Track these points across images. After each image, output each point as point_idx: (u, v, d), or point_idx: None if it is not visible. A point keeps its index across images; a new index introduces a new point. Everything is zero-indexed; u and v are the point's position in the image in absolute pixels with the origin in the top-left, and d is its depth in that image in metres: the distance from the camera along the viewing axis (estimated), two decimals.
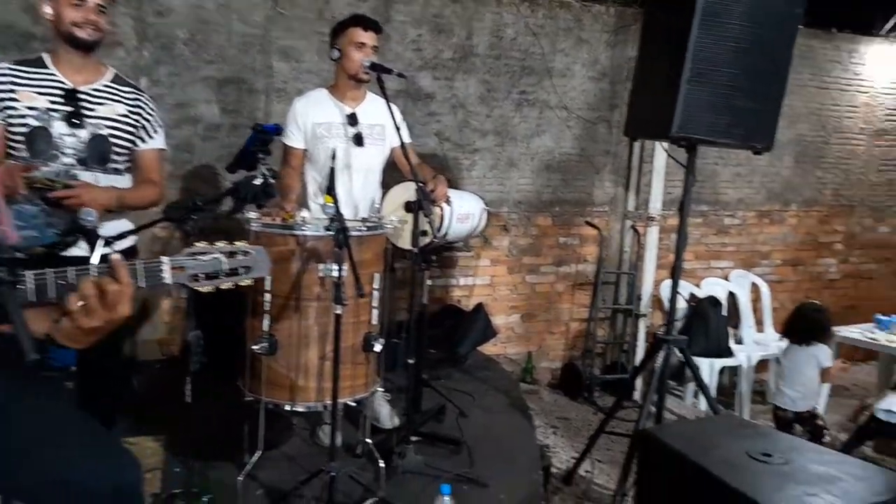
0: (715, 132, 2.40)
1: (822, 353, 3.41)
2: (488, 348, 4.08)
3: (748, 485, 2.01)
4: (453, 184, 3.96)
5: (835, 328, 3.81)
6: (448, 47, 3.94)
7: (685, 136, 2.38)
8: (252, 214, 2.06)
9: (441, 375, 3.51)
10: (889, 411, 3.43)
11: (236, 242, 1.21)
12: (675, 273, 2.71)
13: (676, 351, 2.71)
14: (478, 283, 4.25)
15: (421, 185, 2.31)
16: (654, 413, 2.80)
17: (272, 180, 1.78)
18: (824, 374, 3.43)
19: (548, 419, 3.82)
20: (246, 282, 1.20)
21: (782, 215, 4.98)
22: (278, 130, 2.11)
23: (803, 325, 3.48)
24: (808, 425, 3.45)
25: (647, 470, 2.31)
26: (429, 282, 2.88)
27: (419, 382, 2.88)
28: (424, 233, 2.38)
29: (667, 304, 4.14)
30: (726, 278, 4.79)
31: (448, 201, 2.60)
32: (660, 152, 4.19)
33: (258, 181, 1.76)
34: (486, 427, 2.97)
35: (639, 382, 4.07)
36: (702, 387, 2.91)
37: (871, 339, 3.62)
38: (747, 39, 2.33)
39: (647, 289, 4.41)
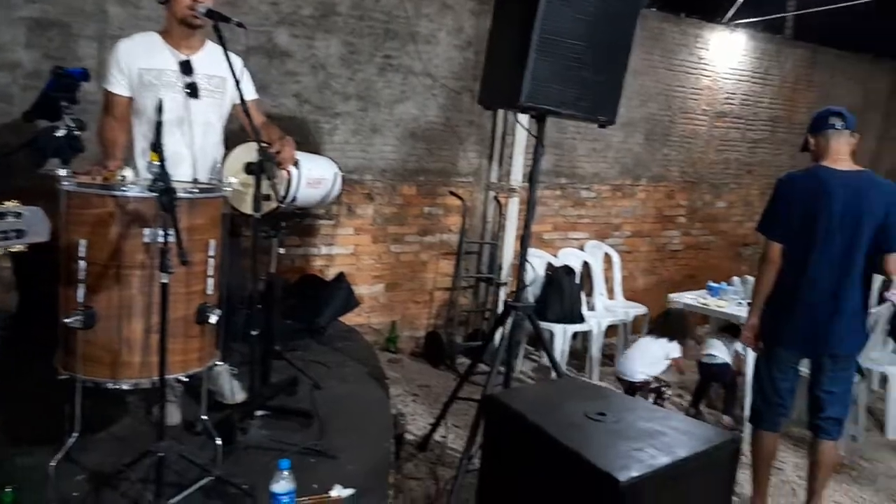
0: (563, 104, 2.45)
1: (674, 349, 3.79)
2: (351, 318, 4.01)
3: (580, 443, 2.10)
4: (314, 149, 3.81)
5: (671, 295, 4.14)
6: (308, 3, 3.75)
7: (534, 107, 2.41)
8: (63, 172, 1.83)
9: (298, 347, 3.40)
10: (710, 355, 3.81)
11: (7, 202, 1.04)
12: (524, 243, 2.77)
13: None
14: (340, 252, 4.15)
15: (264, 145, 2.17)
16: (507, 377, 2.88)
17: (77, 132, 1.57)
18: (672, 361, 3.81)
19: (409, 387, 3.83)
20: (18, 247, 1.04)
21: (633, 189, 5.29)
22: (85, 76, 1.88)
23: (666, 325, 3.86)
24: (649, 390, 3.75)
25: (492, 432, 2.36)
26: (281, 250, 2.75)
27: (268, 354, 2.75)
28: (268, 197, 2.24)
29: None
30: (582, 248, 5.03)
31: (296, 164, 2.47)
32: (528, 126, 4.27)
33: (60, 133, 1.56)
34: (341, 398, 2.91)
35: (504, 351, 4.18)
36: (547, 351, 3.03)
37: (703, 304, 3.95)
38: (593, 13, 2.39)
39: (507, 258, 4.53)
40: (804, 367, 2.86)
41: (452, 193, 4.43)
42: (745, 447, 2.84)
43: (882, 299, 3.94)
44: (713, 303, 3.92)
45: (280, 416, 2.57)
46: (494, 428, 2.37)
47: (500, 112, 4.44)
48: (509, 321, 2.76)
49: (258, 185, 2.19)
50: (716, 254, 5.89)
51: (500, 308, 4.54)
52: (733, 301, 3.94)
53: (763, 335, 2.75)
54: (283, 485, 1.89)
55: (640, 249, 5.46)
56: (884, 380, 4.00)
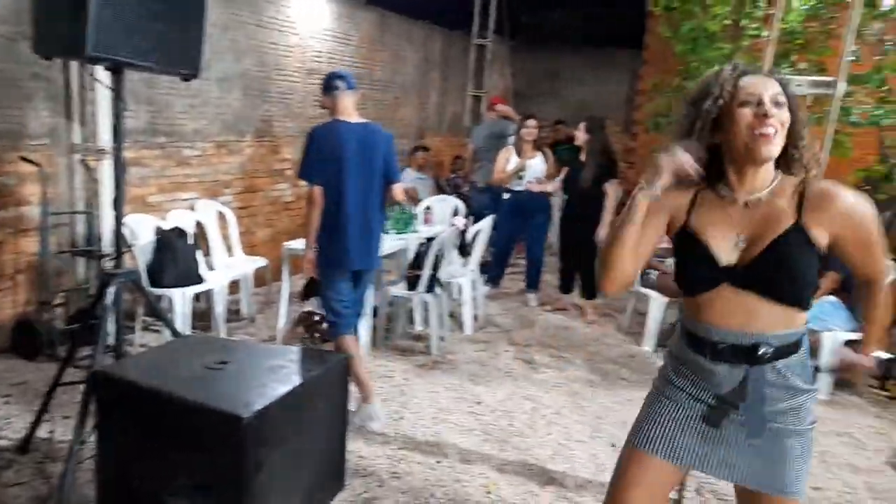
0: (138, 55, 2.34)
1: None
2: None
3: (202, 393, 2.15)
4: None
5: (287, 242, 4.38)
6: None
7: (104, 58, 2.24)
8: None
9: None
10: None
11: None
12: (117, 205, 2.60)
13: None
14: None
15: None
16: (117, 351, 2.70)
17: None
18: None
19: None
20: None
21: (239, 145, 5.31)
22: None
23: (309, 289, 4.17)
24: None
25: (106, 409, 2.23)
26: None
27: None
28: None
29: (130, 239, 3.99)
30: (193, 209, 4.88)
31: None
32: (103, 79, 3.86)
33: None
34: None
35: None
36: (160, 315, 2.95)
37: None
38: None
39: (107, 227, 4.13)
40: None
41: (24, 159, 3.80)
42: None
43: (452, 224, 4.86)
44: None
45: None
46: (107, 404, 2.25)
47: (74, 64, 3.93)
48: (111, 291, 2.58)
49: None
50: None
51: None
52: None
53: (320, 263, 3.25)
54: None
55: (254, 204, 5.55)
56: (460, 289, 4.97)
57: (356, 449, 3.01)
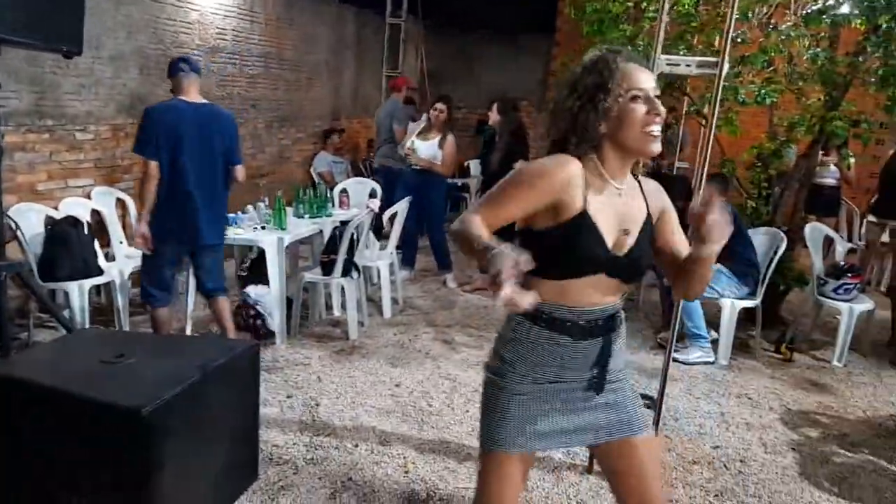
0: (10, 30, 2.15)
1: None
2: None
3: (98, 389, 2.04)
4: None
5: None
6: None
7: None
8: None
9: None
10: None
11: None
12: None
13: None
14: None
15: None
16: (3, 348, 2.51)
17: None
18: None
19: None
20: None
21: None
22: None
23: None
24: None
25: None
26: None
27: None
28: None
29: (17, 231, 3.71)
30: (89, 196, 4.59)
31: None
32: None
33: None
34: None
35: None
36: (51, 311, 2.76)
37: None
38: None
39: None
40: None
41: None
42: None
43: (368, 207, 4.80)
44: (231, 231, 4.12)
45: None
46: None
47: None
48: None
49: None
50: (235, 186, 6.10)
51: None
52: (249, 227, 4.22)
53: (154, 236, 3.33)
54: None
55: None
56: (378, 273, 4.94)
57: (271, 438, 2.94)
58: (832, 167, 5.80)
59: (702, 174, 2.48)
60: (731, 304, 4.25)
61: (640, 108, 1.39)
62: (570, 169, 1.41)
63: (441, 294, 5.41)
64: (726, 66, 2.27)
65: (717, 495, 2.75)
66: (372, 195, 5.50)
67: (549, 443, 1.55)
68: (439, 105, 5.38)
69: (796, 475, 2.95)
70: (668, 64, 2.40)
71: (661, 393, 2.76)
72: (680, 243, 1.57)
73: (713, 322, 4.35)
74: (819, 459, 3.10)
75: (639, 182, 1.54)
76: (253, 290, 4.18)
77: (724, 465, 3.00)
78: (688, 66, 2.39)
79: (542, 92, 9.08)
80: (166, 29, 5.12)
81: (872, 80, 3.90)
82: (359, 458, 2.84)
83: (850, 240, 6.77)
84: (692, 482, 2.83)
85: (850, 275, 4.41)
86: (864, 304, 4.42)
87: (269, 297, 4.10)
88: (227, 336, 3.64)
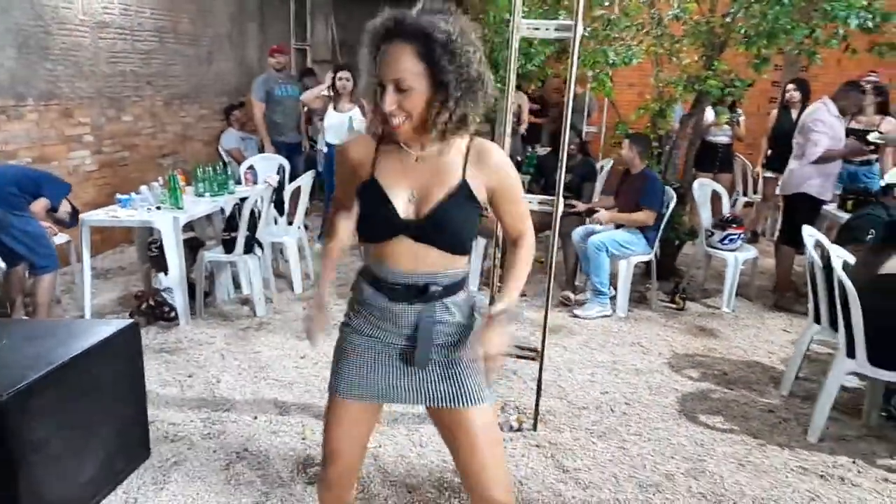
0: None
1: None
2: None
3: None
4: None
5: (83, 215, 4.05)
6: None
7: None
8: None
9: None
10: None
11: None
12: None
13: None
14: None
15: None
16: None
17: None
18: None
19: None
20: None
21: (20, 111, 4.76)
22: None
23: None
24: None
25: None
26: None
27: None
28: None
29: None
30: None
31: None
32: None
33: None
34: None
35: None
36: None
37: (114, 216, 4.00)
38: None
39: None
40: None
41: None
42: None
43: (266, 182, 4.74)
44: (123, 214, 4.01)
45: None
46: None
47: None
48: None
49: None
50: (135, 167, 5.92)
51: None
52: (143, 208, 4.11)
53: None
54: None
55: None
56: (282, 250, 4.91)
57: (167, 417, 2.93)
58: (725, 126, 6.09)
59: (566, 130, 2.57)
60: (628, 260, 4.47)
61: (378, 99, 1.41)
62: (360, 142, 1.56)
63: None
64: (581, 29, 2.36)
65: (600, 436, 2.93)
66: (279, 171, 5.43)
67: (377, 396, 1.61)
68: (343, 73, 5.33)
69: (675, 412, 3.18)
70: (528, 28, 2.48)
71: (542, 347, 2.89)
72: (507, 215, 1.60)
73: (613, 276, 4.57)
74: (698, 397, 3.34)
75: (467, 149, 1.52)
76: (164, 277, 4.11)
77: (611, 409, 3.19)
78: (547, 29, 2.47)
79: None
80: (45, 4, 4.84)
81: (745, 40, 4.11)
82: (256, 429, 2.87)
83: (745, 194, 7.18)
84: (578, 426, 3.01)
85: (734, 226, 4.70)
86: (747, 253, 4.72)
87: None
88: (35, 316, 3.76)
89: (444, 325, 1.57)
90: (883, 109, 5.22)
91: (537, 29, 2.47)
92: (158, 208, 4.13)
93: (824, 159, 4.45)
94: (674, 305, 4.68)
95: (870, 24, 3.80)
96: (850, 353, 2.83)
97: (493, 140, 1.70)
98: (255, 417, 2.97)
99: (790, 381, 3.40)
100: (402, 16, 1.39)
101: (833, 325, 2.98)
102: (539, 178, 5.19)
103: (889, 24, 3.87)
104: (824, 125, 4.44)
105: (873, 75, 5.59)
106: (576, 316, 4.42)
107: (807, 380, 3.51)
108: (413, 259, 1.51)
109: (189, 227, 4.39)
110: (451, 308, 1.57)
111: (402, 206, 1.50)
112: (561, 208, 2.69)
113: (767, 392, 3.42)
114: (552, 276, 2.89)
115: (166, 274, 4.04)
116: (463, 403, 1.57)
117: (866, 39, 4.03)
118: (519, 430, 2.93)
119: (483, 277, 4.84)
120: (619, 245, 4.43)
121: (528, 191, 4.91)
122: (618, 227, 4.57)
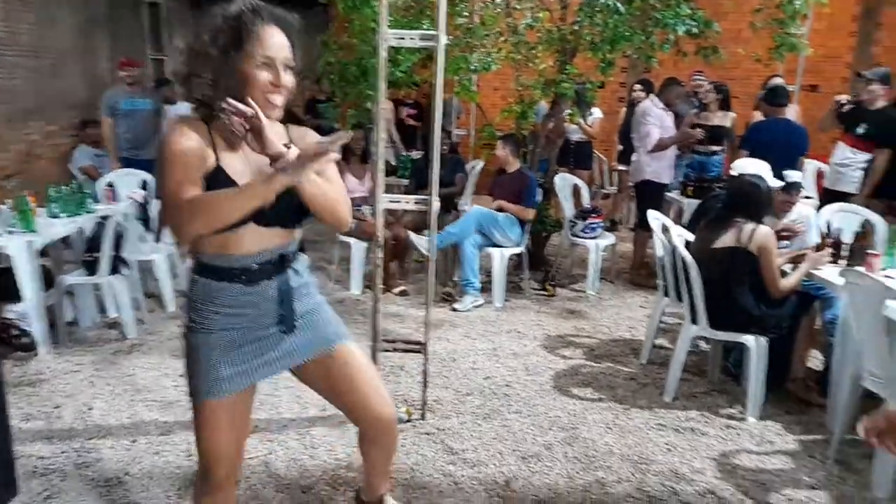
0: None
1: None
2: None
3: None
4: None
5: None
6: None
7: None
8: None
9: None
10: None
11: None
12: None
13: None
14: None
15: None
16: None
17: None
18: None
19: None
20: None
21: None
22: None
23: None
24: None
25: None
26: None
27: None
28: None
29: None
30: None
31: None
32: None
33: None
34: None
35: None
36: None
37: None
38: None
39: None
40: None
41: None
42: None
43: (130, 198, 4.54)
44: None
45: None
46: None
47: None
48: None
49: None
50: None
51: None
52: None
53: None
54: None
55: None
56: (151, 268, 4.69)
57: (35, 451, 2.74)
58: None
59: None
60: (501, 253, 4.72)
61: (265, 76, 1.47)
62: (192, 125, 1.50)
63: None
64: (444, 39, 2.51)
65: (485, 417, 3.11)
66: (143, 186, 5.17)
67: (251, 377, 1.65)
68: None
69: (551, 389, 3.43)
70: (394, 38, 2.59)
71: (426, 341, 3.01)
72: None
73: (487, 269, 4.81)
74: (570, 373, 3.62)
75: (287, 131, 1.62)
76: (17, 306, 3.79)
77: (493, 392, 3.38)
78: (412, 39, 2.59)
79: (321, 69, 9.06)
80: None
81: (591, 46, 4.50)
82: (137, 452, 2.76)
83: (603, 186, 7.78)
84: (464, 411, 3.17)
85: (593, 215, 5.11)
86: (606, 240, 5.14)
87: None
88: None
89: (297, 286, 1.69)
90: (724, 105, 5.87)
91: (403, 39, 2.59)
92: (10, 233, 3.81)
93: (660, 147, 5.04)
94: (545, 292, 5.00)
95: (695, 30, 4.33)
96: (694, 320, 3.21)
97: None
98: (135, 441, 2.85)
99: (648, 350, 3.78)
100: (261, 4, 1.50)
101: (679, 297, 3.36)
102: (413, 179, 5.37)
103: (711, 31, 4.42)
104: (653, 118, 5.08)
105: (699, 76, 6.26)
106: (455, 310, 4.60)
107: (662, 348, 3.92)
108: (261, 240, 1.58)
109: (43, 253, 4.09)
110: (300, 269, 1.71)
111: None
112: (436, 206, 2.82)
113: (629, 362, 3.77)
114: (433, 272, 3.03)
115: (15, 303, 3.75)
116: (331, 343, 1.72)
117: (694, 43, 4.56)
118: (408, 421, 3.03)
119: (366, 281, 4.90)
120: (499, 225, 4.67)
121: (407, 192, 5.06)
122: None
